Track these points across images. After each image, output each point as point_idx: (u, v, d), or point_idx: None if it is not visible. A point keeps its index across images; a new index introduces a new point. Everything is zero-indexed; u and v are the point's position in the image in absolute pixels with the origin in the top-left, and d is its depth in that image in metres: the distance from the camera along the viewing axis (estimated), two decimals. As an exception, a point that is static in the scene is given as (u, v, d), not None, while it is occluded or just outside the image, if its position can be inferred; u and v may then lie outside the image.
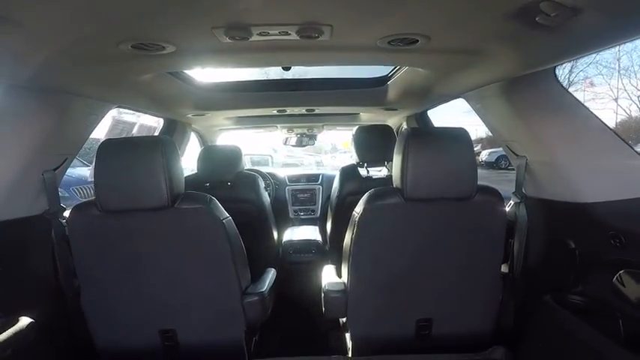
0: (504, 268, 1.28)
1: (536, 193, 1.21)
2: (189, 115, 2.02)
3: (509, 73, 1.06)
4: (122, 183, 1.02)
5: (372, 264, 1.14)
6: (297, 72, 1.60)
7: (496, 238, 1.12)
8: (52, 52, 0.83)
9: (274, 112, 2.10)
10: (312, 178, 2.68)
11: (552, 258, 1.18)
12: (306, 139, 2.69)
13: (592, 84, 15.35)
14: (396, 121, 2.36)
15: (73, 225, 1.08)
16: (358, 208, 1.12)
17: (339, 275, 1.32)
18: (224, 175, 1.79)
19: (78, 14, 0.67)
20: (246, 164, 2.89)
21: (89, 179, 3.97)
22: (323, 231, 2.24)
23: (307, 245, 2.15)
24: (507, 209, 1.23)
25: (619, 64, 14.76)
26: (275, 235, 2.00)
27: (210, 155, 1.84)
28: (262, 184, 1.91)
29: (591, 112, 1.06)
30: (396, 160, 1.11)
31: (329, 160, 8.93)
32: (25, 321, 1.01)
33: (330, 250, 2.01)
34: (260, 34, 0.82)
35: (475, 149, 1.18)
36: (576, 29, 0.70)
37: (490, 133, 1.89)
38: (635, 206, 0.97)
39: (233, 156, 1.82)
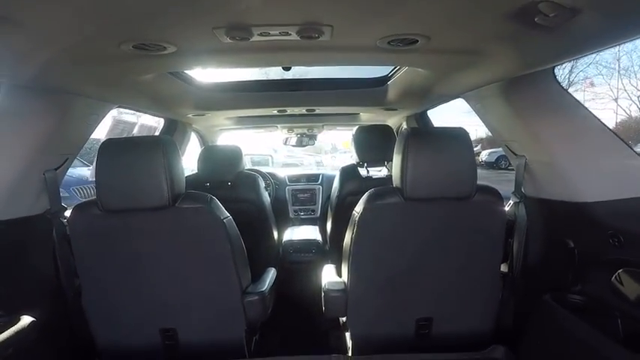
0: (504, 268, 1.28)
1: (535, 192, 1.21)
2: (190, 115, 2.02)
3: (508, 73, 1.06)
4: (123, 183, 1.03)
5: (372, 263, 1.15)
6: (298, 72, 1.61)
7: (495, 237, 1.13)
8: (54, 52, 0.83)
9: (274, 112, 2.10)
10: (312, 178, 2.68)
11: (551, 257, 1.19)
12: (306, 139, 2.69)
13: (592, 84, 15.41)
14: (395, 121, 2.37)
15: (74, 224, 1.08)
16: (358, 208, 1.12)
17: (339, 275, 1.32)
18: (224, 175, 1.79)
19: (79, 14, 0.67)
20: (247, 164, 2.89)
21: (89, 179, 3.96)
22: (323, 231, 2.25)
23: (307, 245, 2.15)
24: (507, 209, 1.23)
25: (619, 65, 14.80)
26: (275, 234, 2.00)
27: (210, 155, 1.84)
28: (262, 184, 1.91)
29: (590, 112, 1.06)
30: (396, 159, 1.11)
31: (329, 160, 8.93)
32: (26, 320, 1.01)
33: (330, 249, 2.01)
34: (261, 35, 0.82)
35: (475, 149, 1.18)
36: (575, 30, 0.70)
37: (490, 133, 1.89)
38: (633, 206, 0.98)
39: (233, 156, 1.82)
